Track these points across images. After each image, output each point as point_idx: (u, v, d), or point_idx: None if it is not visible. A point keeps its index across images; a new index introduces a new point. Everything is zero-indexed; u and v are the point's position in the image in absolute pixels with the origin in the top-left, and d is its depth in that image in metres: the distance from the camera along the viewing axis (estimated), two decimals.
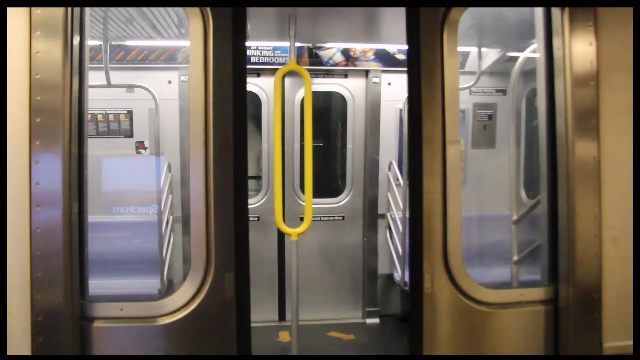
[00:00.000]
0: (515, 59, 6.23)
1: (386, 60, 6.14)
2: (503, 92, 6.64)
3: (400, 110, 6.17)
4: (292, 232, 4.70)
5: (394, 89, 6.19)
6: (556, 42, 2.99)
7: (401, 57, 6.09)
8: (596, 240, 2.93)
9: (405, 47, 3.12)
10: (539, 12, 3.14)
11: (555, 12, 2.97)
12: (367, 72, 6.17)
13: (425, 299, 2.98)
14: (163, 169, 5.58)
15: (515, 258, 4.01)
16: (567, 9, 2.93)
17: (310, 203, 4.52)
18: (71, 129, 2.72)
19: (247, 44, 5.86)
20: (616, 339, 2.96)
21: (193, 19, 2.90)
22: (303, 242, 5.70)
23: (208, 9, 2.87)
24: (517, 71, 4.15)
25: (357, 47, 6.04)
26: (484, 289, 3.07)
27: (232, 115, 2.97)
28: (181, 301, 2.89)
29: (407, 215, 2.99)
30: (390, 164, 6.26)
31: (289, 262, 6.11)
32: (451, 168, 2.99)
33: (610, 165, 2.95)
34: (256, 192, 6.39)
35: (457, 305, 3.01)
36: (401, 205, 5.66)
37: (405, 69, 3.17)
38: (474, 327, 3.04)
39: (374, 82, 6.12)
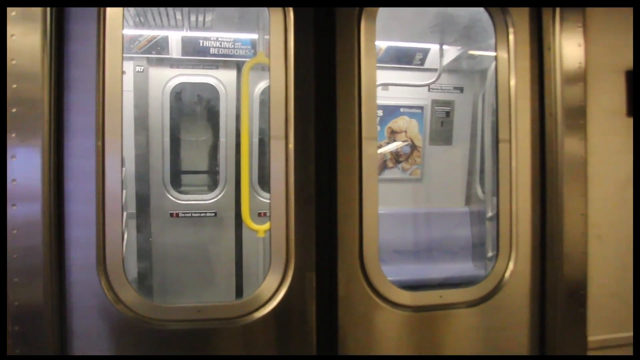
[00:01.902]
0: (475, 57, 6.45)
1: None
2: (461, 89, 6.76)
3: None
4: (259, 228, 4.59)
5: None
6: (546, 42, 3.03)
7: None
8: (583, 238, 3.00)
9: None
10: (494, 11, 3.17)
11: (547, 12, 3.02)
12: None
13: (340, 302, 2.86)
14: None
15: (489, 254, 4.07)
16: (557, 9, 2.98)
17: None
18: (51, 120, 2.49)
19: (205, 34, 5.72)
20: (600, 333, 3.05)
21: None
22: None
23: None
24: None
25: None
26: (402, 291, 2.97)
27: (313, 111, 2.82)
28: None
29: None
30: None
31: (247, 259, 6.00)
32: (367, 166, 2.89)
33: (596, 164, 3.02)
34: (209, 188, 6.23)
35: (373, 308, 2.91)
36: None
37: None
38: (391, 331, 2.97)
39: None
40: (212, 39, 5.79)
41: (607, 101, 3.05)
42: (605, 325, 3.06)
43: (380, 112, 6.89)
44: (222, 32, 5.70)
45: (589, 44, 3.01)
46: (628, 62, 3.06)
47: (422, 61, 6.42)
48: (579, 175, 2.99)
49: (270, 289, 2.81)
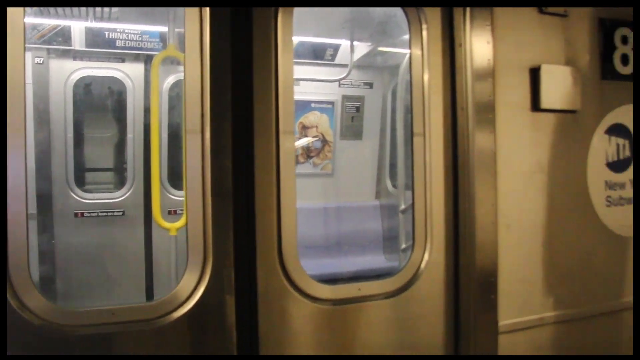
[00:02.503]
0: (385, 53, 6.60)
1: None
2: (370, 85, 6.89)
3: None
4: (171, 226, 4.44)
5: None
6: (457, 40, 3.14)
7: None
8: (493, 228, 3.14)
9: None
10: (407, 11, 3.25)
11: (458, 11, 3.12)
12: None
13: (259, 298, 2.82)
14: None
15: (403, 246, 4.17)
16: (468, 9, 3.09)
17: None
18: None
19: (111, 25, 5.44)
20: (509, 317, 3.21)
21: None
22: None
23: None
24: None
25: None
26: (321, 285, 2.98)
27: (230, 105, 2.72)
28: None
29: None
30: None
31: (157, 259, 5.79)
32: (285, 160, 2.88)
33: (504, 157, 3.17)
34: (116, 186, 5.95)
35: (293, 303, 2.90)
36: None
37: None
38: (312, 325, 2.97)
39: None
40: (118, 30, 5.51)
41: (514, 96, 3.20)
42: (514, 310, 3.23)
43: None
44: (130, 24, 5.43)
45: (496, 41, 3.14)
46: (532, 59, 3.23)
47: (333, 57, 6.47)
48: (490, 167, 3.12)
49: (188, 288, 2.69)
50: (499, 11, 3.15)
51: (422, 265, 3.16)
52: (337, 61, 6.47)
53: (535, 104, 3.21)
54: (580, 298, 3.41)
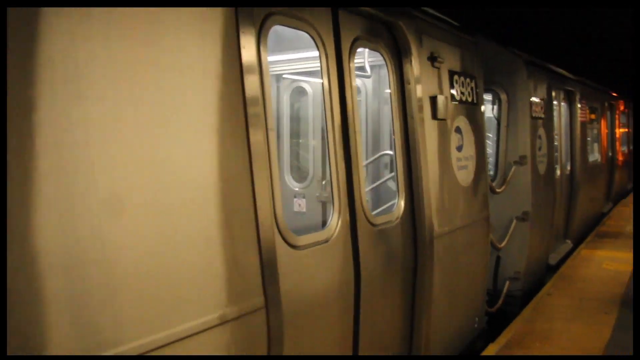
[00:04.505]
0: None
1: None
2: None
3: None
4: None
5: None
6: (406, 80, 5.46)
7: None
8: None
9: None
10: None
11: (407, 62, 5.44)
12: None
13: None
14: None
15: None
16: (409, 66, 5.45)
17: None
18: None
19: None
20: None
21: None
22: None
23: None
24: None
25: None
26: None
27: None
28: None
29: None
30: None
31: None
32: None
33: (428, 142, 5.66)
34: None
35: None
36: None
37: None
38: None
39: None
40: None
41: (427, 111, 5.73)
42: None
43: None
44: None
45: (423, 83, 5.62)
46: (432, 92, 5.82)
47: None
48: (424, 149, 5.57)
49: None
50: (423, 67, 5.59)
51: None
52: None
53: (434, 115, 5.79)
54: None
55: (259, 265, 3.48)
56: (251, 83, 3.50)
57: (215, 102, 3.29)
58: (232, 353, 3.29)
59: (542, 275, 9.94)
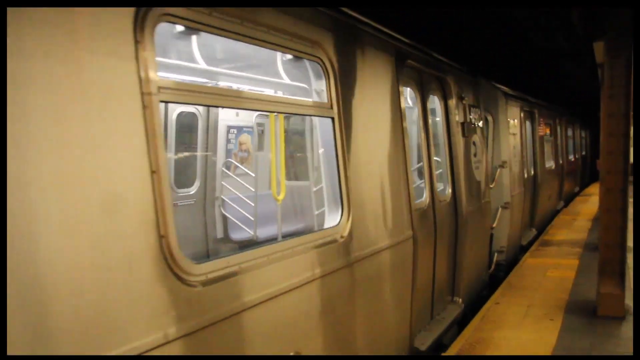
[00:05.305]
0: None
1: None
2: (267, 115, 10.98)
3: None
4: None
5: None
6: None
7: None
8: None
9: None
10: None
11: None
12: None
13: None
14: None
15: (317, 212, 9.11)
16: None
17: None
18: None
19: None
20: None
21: None
22: None
23: None
24: None
25: None
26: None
27: None
28: None
29: None
30: None
31: None
32: None
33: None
34: None
35: None
36: None
37: None
38: None
39: None
40: None
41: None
42: None
43: (235, 131, 10.53)
44: None
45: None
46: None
47: None
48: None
49: None
50: (457, 103, 8.63)
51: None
52: None
53: (463, 134, 8.81)
54: None
55: None
56: None
57: None
58: None
59: (516, 252, 13.23)
